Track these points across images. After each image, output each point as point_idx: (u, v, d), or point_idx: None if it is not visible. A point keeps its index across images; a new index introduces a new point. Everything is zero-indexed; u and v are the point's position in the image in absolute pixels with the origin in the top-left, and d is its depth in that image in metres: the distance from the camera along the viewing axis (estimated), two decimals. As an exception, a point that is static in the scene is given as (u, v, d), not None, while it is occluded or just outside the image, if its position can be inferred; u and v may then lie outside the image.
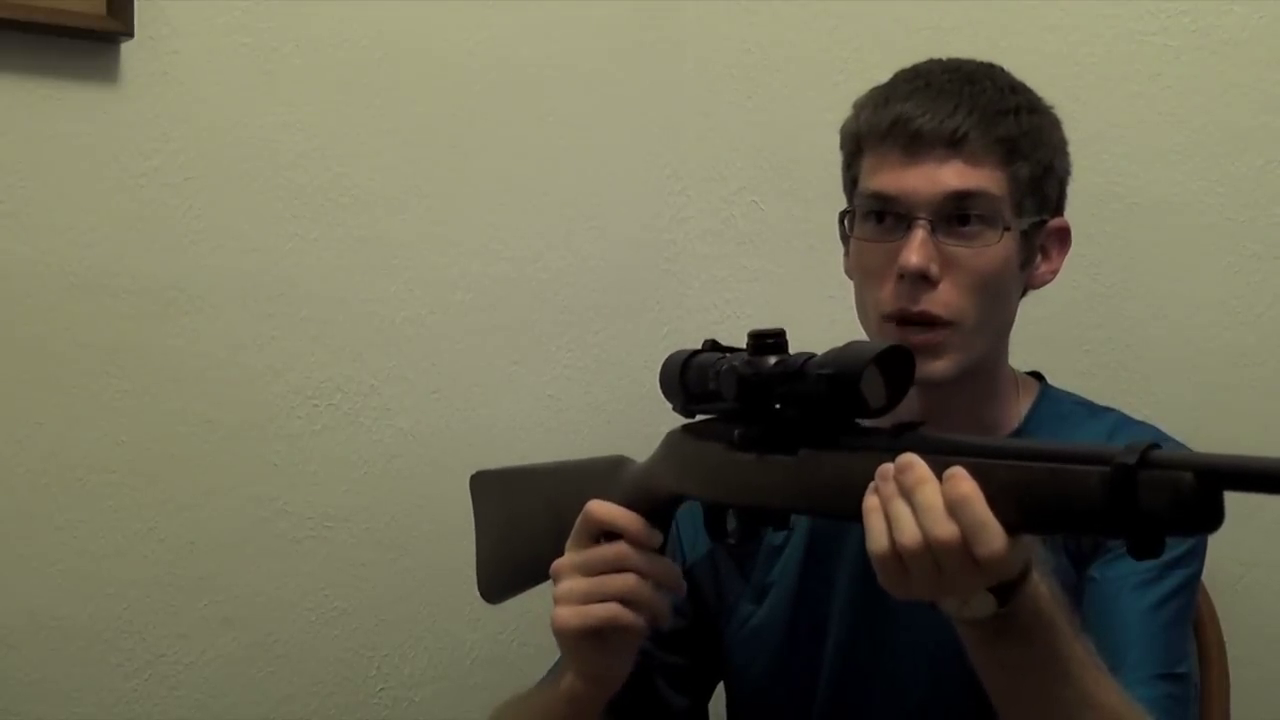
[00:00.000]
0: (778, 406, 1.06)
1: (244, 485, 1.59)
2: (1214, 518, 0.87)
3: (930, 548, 0.94)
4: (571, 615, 1.14)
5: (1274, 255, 1.60)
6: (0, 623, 1.47)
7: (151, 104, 1.53)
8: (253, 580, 1.60)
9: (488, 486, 1.36)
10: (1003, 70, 1.31)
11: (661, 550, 1.17)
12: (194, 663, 1.57)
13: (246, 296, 1.59)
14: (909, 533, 0.94)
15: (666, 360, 1.15)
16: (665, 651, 1.37)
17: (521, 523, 1.29)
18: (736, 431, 1.09)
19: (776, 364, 1.05)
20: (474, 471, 1.37)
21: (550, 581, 1.19)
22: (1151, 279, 1.64)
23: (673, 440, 1.18)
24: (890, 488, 0.96)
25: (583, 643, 1.15)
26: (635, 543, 1.14)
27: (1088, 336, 1.66)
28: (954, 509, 0.93)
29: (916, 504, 0.94)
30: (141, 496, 1.54)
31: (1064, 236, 1.34)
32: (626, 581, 1.13)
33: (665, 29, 1.85)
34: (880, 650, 1.29)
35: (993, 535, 0.92)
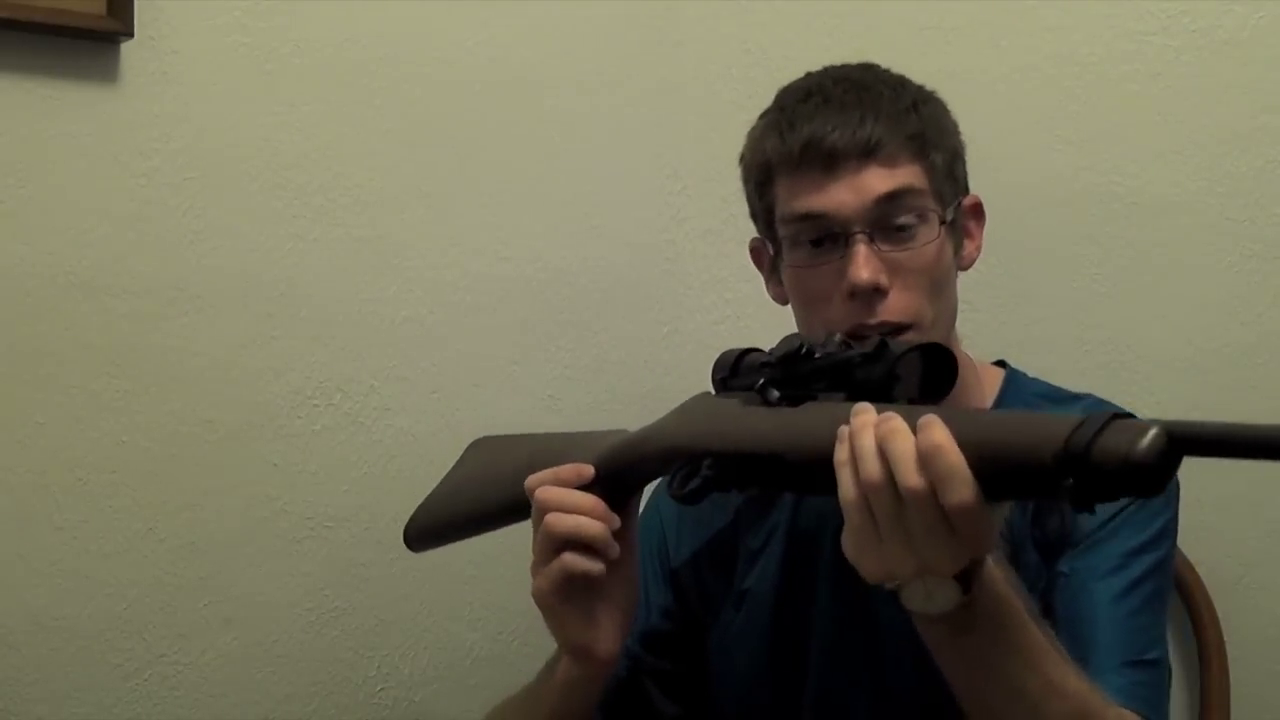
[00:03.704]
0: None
1: (244, 485, 1.59)
2: (1161, 477, 0.86)
3: (895, 488, 0.94)
4: (540, 579, 1.16)
5: (1274, 255, 1.60)
6: (0, 623, 1.47)
7: (151, 104, 1.53)
8: (253, 580, 1.60)
9: (480, 448, 1.38)
10: (882, 68, 1.32)
11: (624, 504, 1.18)
12: (194, 663, 1.57)
13: (246, 296, 1.59)
14: (870, 466, 0.95)
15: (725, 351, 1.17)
16: (654, 656, 1.37)
17: (478, 478, 1.30)
18: (760, 380, 1.10)
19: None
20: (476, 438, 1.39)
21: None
22: (1151, 279, 1.64)
23: (694, 397, 1.19)
24: (860, 420, 0.97)
25: (561, 607, 1.16)
26: (560, 483, 1.16)
27: (1088, 336, 1.66)
28: (925, 459, 0.93)
29: (889, 451, 0.95)
30: (141, 496, 1.54)
31: (978, 211, 1.35)
32: (549, 518, 1.14)
33: (665, 29, 1.85)
34: (865, 652, 1.28)
35: (962, 483, 0.92)
